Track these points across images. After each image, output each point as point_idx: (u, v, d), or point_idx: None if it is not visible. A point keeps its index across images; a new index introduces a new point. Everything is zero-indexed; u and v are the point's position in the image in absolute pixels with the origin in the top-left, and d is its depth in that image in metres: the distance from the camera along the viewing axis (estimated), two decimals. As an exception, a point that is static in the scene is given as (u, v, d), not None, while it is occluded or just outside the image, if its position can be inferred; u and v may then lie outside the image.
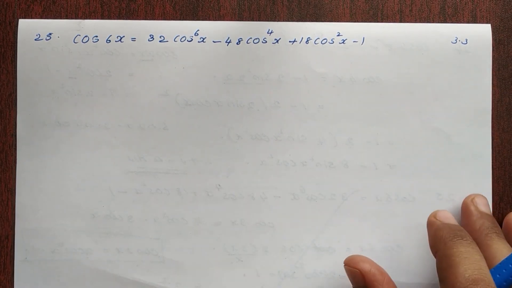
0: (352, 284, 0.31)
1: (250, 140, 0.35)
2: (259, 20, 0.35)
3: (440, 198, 0.34)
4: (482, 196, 0.34)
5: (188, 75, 0.35)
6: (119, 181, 0.35)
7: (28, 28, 0.35)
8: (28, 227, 0.35)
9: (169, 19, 0.35)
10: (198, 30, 0.35)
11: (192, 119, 0.35)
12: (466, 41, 0.35)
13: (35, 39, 0.35)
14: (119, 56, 0.35)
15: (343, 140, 0.35)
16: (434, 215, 0.31)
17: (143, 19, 0.35)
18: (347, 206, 0.35)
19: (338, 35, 0.35)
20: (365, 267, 0.31)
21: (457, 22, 0.35)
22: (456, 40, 0.35)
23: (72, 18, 0.35)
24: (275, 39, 0.35)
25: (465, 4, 0.35)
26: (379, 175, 0.35)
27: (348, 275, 0.31)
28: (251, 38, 0.35)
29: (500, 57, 0.35)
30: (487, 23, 0.35)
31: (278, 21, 0.35)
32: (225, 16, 0.35)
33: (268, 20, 0.35)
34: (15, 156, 0.35)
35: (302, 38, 0.35)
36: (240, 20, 0.35)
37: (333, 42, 0.35)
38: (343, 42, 0.35)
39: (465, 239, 0.28)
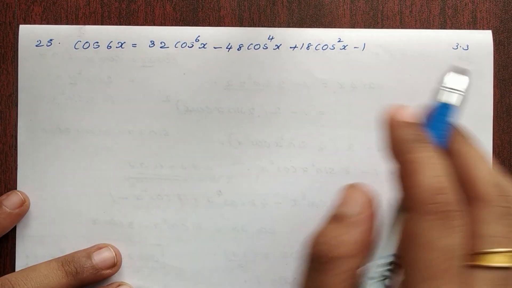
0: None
1: (251, 146, 0.35)
2: (259, 21, 0.35)
3: (441, 204, 0.34)
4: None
5: (189, 81, 0.35)
6: (120, 187, 0.35)
7: (29, 34, 0.35)
8: (29, 233, 0.35)
9: (169, 20, 0.35)
10: (199, 36, 0.35)
11: (193, 125, 0.35)
12: (467, 47, 0.35)
13: (36, 45, 0.35)
14: (120, 62, 0.35)
15: (344, 146, 0.35)
16: (394, 111, 0.25)
17: (143, 20, 0.35)
18: (348, 212, 0.34)
19: (339, 41, 0.35)
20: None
21: (457, 23, 0.35)
22: (457, 46, 0.35)
23: (72, 19, 0.35)
24: (276, 45, 0.35)
25: (465, 5, 0.35)
26: (380, 181, 0.35)
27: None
28: (252, 44, 0.35)
29: (500, 58, 0.35)
30: (487, 24, 0.35)
31: (278, 21, 0.35)
32: (225, 17, 0.35)
33: (268, 21, 0.35)
34: (15, 157, 0.35)
35: (303, 44, 0.35)
36: (240, 21, 0.35)
37: (334, 48, 0.35)
38: (344, 48, 0.35)
39: (429, 142, 0.24)
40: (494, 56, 0.35)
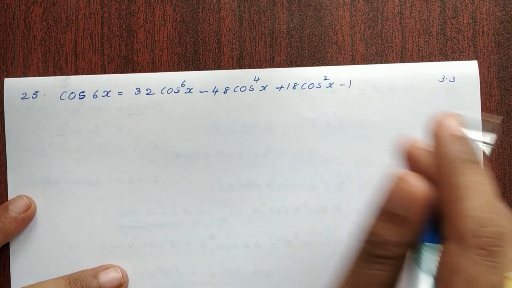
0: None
1: (242, 188, 0.35)
2: (259, 22, 0.35)
3: (435, 237, 0.34)
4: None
5: (176, 127, 0.35)
6: (113, 236, 0.34)
7: (14, 87, 0.35)
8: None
9: (169, 21, 0.35)
10: (184, 81, 0.35)
11: (182, 171, 0.35)
12: (453, 79, 0.35)
13: (22, 98, 0.35)
14: (106, 111, 0.35)
15: (335, 184, 0.35)
16: (442, 119, 0.23)
17: (143, 21, 0.35)
18: (342, 250, 0.34)
19: (325, 79, 0.35)
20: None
21: (457, 24, 0.35)
22: (443, 78, 0.35)
23: (72, 19, 0.35)
24: (262, 86, 0.35)
25: (465, 6, 0.35)
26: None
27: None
28: (237, 86, 0.35)
29: (500, 59, 0.35)
30: (487, 25, 0.35)
31: (278, 22, 0.35)
32: (225, 18, 0.35)
33: (268, 22, 0.35)
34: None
35: (289, 83, 0.35)
36: (240, 22, 0.35)
37: (320, 86, 0.35)
38: (330, 86, 0.35)
39: (479, 164, 0.22)
40: (494, 57, 0.35)
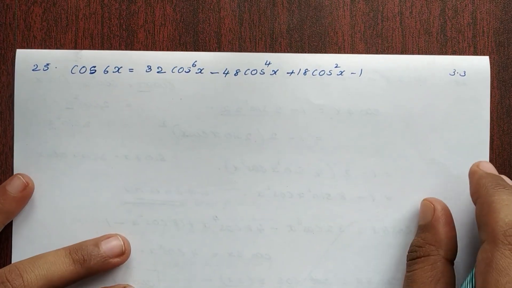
0: (420, 218, 0.33)
1: (247, 171, 0.35)
2: (259, 22, 0.35)
3: (437, 230, 0.34)
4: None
5: (185, 106, 0.35)
6: (116, 212, 0.35)
7: (26, 58, 0.35)
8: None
9: (169, 21, 0.35)
10: (196, 61, 0.35)
11: (189, 150, 0.35)
12: (464, 73, 0.35)
13: (33, 70, 0.35)
14: (116, 87, 0.35)
15: (340, 171, 0.35)
16: (477, 164, 0.33)
17: (143, 21, 0.35)
18: (344, 238, 0.34)
19: (336, 67, 0.35)
20: (439, 204, 0.33)
21: (457, 24, 0.35)
22: (454, 72, 0.35)
23: (72, 19, 0.35)
24: (273, 71, 0.35)
25: (465, 6, 0.35)
26: (376, 207, 0.35)
27: (421, 209, 0.34)
28: (248, 69, 0.35)
29: (500, 59, 0.35)
30: (487, 25, 0.35)
31: (279, 22, 0.35)
32: (225, 18, 0.35)
33: (268, 22, 0.35)
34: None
35: (300, 69, 0.35)
36: (240, 22, 0.35)
37: (331, 73, 0.35)
38: (341, 74, 0.35)
39: (507, 188, 0.29)
40: (494, 57, 0.35)
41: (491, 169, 0.32)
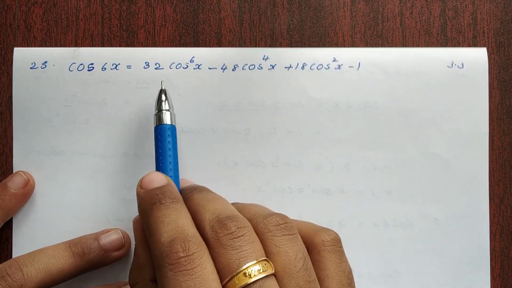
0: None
1: (247, 166, 0.35)
2: (259, 22, 0.35)
3: (437, 222, 0.34)
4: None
5: (184, 102, 0.35)
6: (116, 209, 0.35)
7: (23, 56, 0.35)
8: (25, 256, 0.34)
9: (169, 21, 0.35)
10: (193, 57, 0.35)
11: (188, 146, 0.35)
12: (462, 65, 0.35)
13: (31, 68, 0.35)
14: (114, 84, 0.35)
15: (340, 165, 0.35)
16: (140, 184, 0.29)
17: (143, 21, 0.35)
18: (344, 232, 0.34)
19: (334, 61, 0.35)
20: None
21: (457, 24, 0.35)
22: (452, 64, 0.35)
23: (72, 20, 0.35)
24: (270, 65, 0.35)
25: (466, 6, 0.35)
26: (376, 201, 0.35)
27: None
28: (246, 64, 0.35)
29: (501, 60, 0.35)
30: (487, 25, 0.35)
31: (279, 23, 0.35)
32: (226, 18, 0.35)
33: (268, 22, 0.35)
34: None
35: (298, 64, 0.35)
36: (240, 22, 0.35)
37: (329, 67, 0.35)
38: (338, 68, 0.35)
39: (163, 201, 0.26)
40: (494, 58, 0.35)
41: (153, 181, 0.28)
